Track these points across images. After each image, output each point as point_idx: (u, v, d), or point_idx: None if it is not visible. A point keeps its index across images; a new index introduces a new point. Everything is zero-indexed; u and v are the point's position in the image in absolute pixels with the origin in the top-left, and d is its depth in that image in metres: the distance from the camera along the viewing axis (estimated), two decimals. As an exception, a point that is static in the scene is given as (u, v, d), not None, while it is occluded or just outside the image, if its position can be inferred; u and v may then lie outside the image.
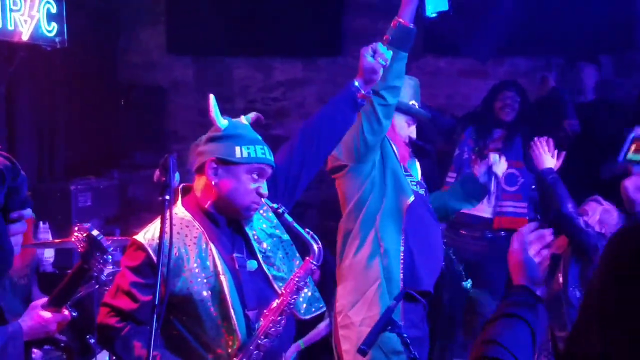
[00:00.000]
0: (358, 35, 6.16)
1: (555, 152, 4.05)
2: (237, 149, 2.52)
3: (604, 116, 5.24)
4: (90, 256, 2.34)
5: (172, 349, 2.50)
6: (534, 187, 4.85)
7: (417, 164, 3.60)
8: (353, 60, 6.07)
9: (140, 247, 2.48)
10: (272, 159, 2.60)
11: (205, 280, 2.48)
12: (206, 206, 2.56)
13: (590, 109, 5.28)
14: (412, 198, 3.34)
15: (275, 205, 2.60)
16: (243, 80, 6.50)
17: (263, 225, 2.69)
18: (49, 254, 4.83)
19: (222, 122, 2.57)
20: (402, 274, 3.28)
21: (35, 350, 2.87)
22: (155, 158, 6.42)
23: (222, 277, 2.49)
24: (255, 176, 2.53)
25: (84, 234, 2.31)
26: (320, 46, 6.25)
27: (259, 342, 2.49)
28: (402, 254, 3.29)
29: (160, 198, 2.23)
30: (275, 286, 2.59)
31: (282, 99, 6.43)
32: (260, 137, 2.64)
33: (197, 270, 2.48)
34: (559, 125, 4.94)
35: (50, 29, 4.99)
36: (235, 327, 2.49)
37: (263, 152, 2.57)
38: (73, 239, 2.34)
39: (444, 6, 3.13)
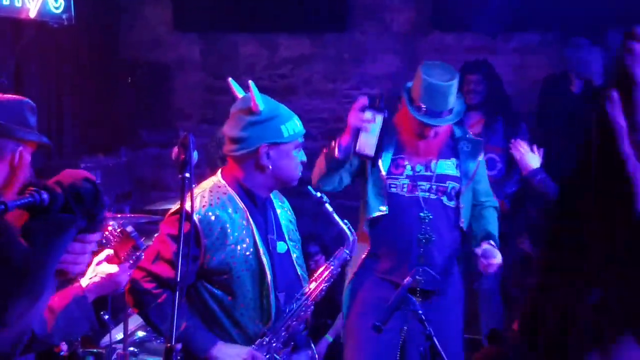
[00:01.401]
0: (365, 9, 6.14)
1: (535, 147, 4.01)
2: (283, 127, 2.57)
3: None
4: (122, 251, 2.34)
5: (197, 319, 2.55)
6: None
7: (452, 161, 3.50)
8: (360, 36, 6.13)
9: (187, 217, 2.45)
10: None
11: (245, 258, 2.52)
12: (249, 185, 2.60)
13: (598, 94, 5.23)
14: (377, 213, 3.37)
15: (318, 194, 2.69)
16: (249, 57, 6.48)
17: (287, 213, 2.79)
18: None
19: (260, 104, 2.58)
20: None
21: None
22: (161, 136, 6.48)
23: (263, 258, 2.55)
24: (300, 147, 2.65)
25: (119, 230, 2.32)
26: (327, 21, 6.21)
27: (290, 323, 2.55)
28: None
29: (180, 176, 2.24)
30: (298, 269, 2.66)
31: (289, 75, 6.40)
32: (287, 108, 2.69)
33: (238, 247, 2.52)
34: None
35: (57, 6, 4.97)
36: (269, 308, 2.55)
37: (299, 122, 2.65)
38: (106, 233, 2.34)
39: None
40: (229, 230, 2.52)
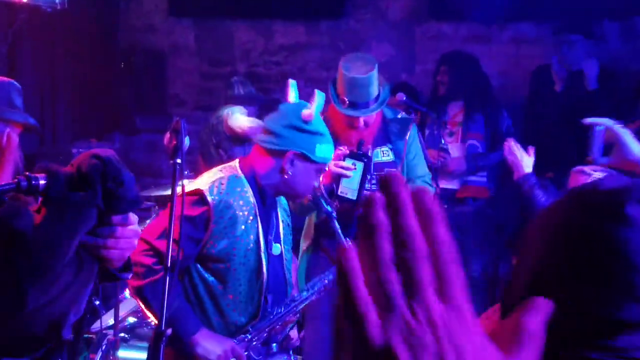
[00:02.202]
0: (361, -2, 6.13)
1: (531, 149, 4.03)
2: (318, 147, 2.58)
3: (605, 107, 5.20)
4: None
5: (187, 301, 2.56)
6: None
7: (387, 147, 3.62)
8: (355, 24, 6.11)
9: (203, 199, 2.48)
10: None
11: (245, 253, 2.54)
12: (263, 183, 2.60)
13: (590, 99, 5.23)
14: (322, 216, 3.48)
15: (329, 209, 2.74)
16: (244, 44, 6.45)
17: (286, 215, 2.82)
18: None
19: (313, 116, 2.58)
20: None
21: None
22: (155, 122, 6.46)
23: (262, 256, 2.57)
24: (320, 173, 2.67)
25: None
26: (323, 9, 6.19)
27: (274, 326, 2.57)
28: None
29: (172, 161, 2.23)
30: (287, 273, 2.67)
31: (283, 63, 6.39)
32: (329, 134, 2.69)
33: (242, 240, 2.53)
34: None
35: (51, -10, 4.93)
36: (258, 306, 2.58)
37: (331, 151, 2.66)
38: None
39: None
40: (237, 222, 2.53)
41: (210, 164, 2.71)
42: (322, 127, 2.63)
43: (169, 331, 2.07)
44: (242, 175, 2.60)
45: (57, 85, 5.67)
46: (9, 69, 5.09)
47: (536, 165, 4.29)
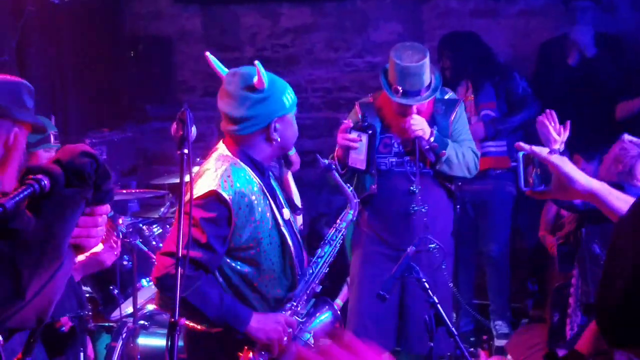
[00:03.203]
0: (367, -23, 6.08)
1: (567, 123, 4.02)
2: (284, 98, 2.60)
3: (605, 55, 5.15)
4: None
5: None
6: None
7: (434, 130, 3.65)
8: (361, 3, 6.07)
9: (219, 198, 2.48)
10: None
11: (269, 232, 2.57)
12: (258, 158, 2.63)
13: (593, 65, 5.19)
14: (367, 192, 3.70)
15: (326, 161, 2.81)
16: (251, 28, 6.44)
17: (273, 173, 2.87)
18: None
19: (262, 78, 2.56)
20: None
21: None
22: (165, 109, 6.50)
23: (283, 229, 2.60)
24: (295, 114, 2.69)
25: None
26: (328, -10, 6.16)
27: (313, 286, 2.66)
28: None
29: (179, 152, 2.24)
30: (297, 233, 2.71)
31: (290, 45, 6.37)
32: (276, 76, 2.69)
33: (262, 222, 2.56)
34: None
35: (58, -18, 4.95)
36: (293, 275, 2.64)
37: (291, 89, 2.67)
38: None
39: None
40: (254, 207, 2.54)
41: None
42: (272, 81, 2.60)
43: (183, 321, 2.10)
44: (238, 160, 2.60)
45: (67, 77, 5.69)
46: (19, 61, 5.12)
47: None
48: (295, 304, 2.63)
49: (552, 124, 3.82)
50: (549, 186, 1.93)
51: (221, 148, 2.64)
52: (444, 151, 3.57)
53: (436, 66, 4.83)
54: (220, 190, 2.48)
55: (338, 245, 2.78)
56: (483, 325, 5.15)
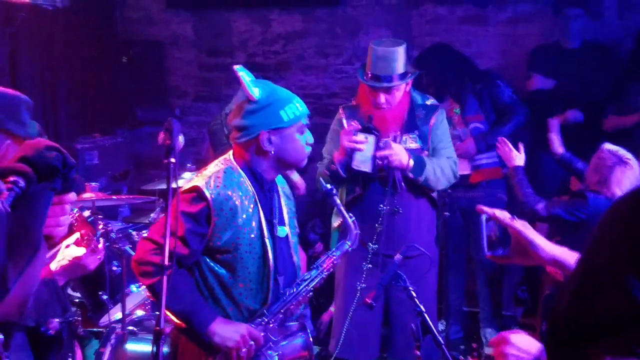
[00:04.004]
0: (357, -17, 6.11)
1: (521, 145, 4.16)
2: (282, 113, 2.61)
3: (592, 62, 5.19)
4: (83, 235, 2.38)
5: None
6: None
7: (414, 134, 3.70)
8: (352, 11, 6.11)
9: (201, 196, 2.54)
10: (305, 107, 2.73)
11: (250, 241, 2.59)
12: (257, 169, 2.66)
13: (576, 56, 5.23)
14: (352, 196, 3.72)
15: (328, 186, 2.79)
16: (242, 34, 6.47)
17: (288, 199, 2.85)
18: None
19: (255, 92, 2.61)
20: None
21: None
22: (157, 114, 6.50)
23: (267, 241, 2.62)
24: (303, 130, 2.68)
25: (77, 214, 2.36)
26: (319, -4, 6.19)
27: (288, 307, 2.63)
28: None
29: (166, 161, 2.27)
30: (294, 255, 2.71)
31: (282, 51, 6.40)
32: (288, 90, 2.73)
33: (245, 229, 2.59)
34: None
35: (50, -12, 4.97)
36: (268, 290, 2.62)
37: (300, 104, 2.68)
38: (71, 217, 2.38)
39: None
40: (238, 212, 2.58)
41: (222, 154, 2.77)
42: (275, 94, 2.65)
43: (168, 329, 2.13)
44: (237, 166, 2.66)
45: (58, 82, 5.71)
46: (10, 66, 5.13)
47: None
48: (267, 320, 2.62)
49: (506, 146, 4.01)
50: (507, 250, 1.93)
51: (229, 154, 2.73)
52: (420, 177, 3.61)
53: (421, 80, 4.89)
54: (203, 189, 2.55)
55: (326, 273, 2.76)
56: (472, 333, 5.17)
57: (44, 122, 5.51)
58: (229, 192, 2.57)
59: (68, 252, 2.36)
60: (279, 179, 2.84)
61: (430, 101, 3.80)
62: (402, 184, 3.62)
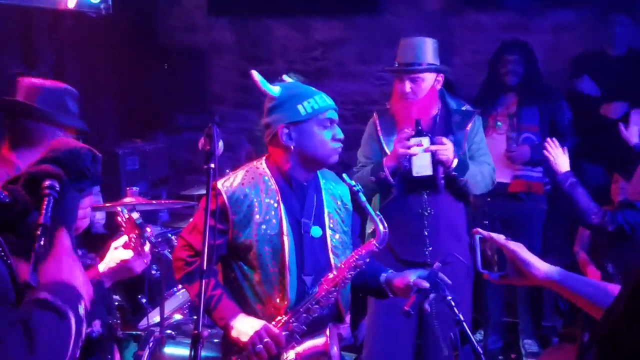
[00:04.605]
0: (397, -8, 6.11)
1: (565, 148, 4.03)
2: (300, 107, 2.62)
3: (638, 70, 5.09)
4: (130, 237, 2.41)
5: (227, 290, 2.66)
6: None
7: (448, 139, 3.61)
8: (392, 18, 6.10)
9: (218, 194, 2.62)
10: (332, 101, 2.70)
11: (268, 237, 2.61)
12: (285, 168, 2.68)
13: (621, 63, 5.14)
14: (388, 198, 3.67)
15: (352, 183, 2.69)
16: (282, 41, 6.50)
17: (335, 193, 2.82)
18: (100, 215, 4.98)
19: (274, 90, 2.66)
20: None
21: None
22: (197, 120, 6.57)
23: (285, 238, 2.62)
24: (327, 124, 2.66)
25: (126, 217, 2.39)
26: (359, 4, 6.20)
27: (310, 306, 2.60)
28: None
29: (205, 166, 2.29)
30: (332, 256, 2.70)
31: (321, 58, 6.42)
32: (312, 87, 2.73)
33: (263, 226, 2.61)
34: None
35: (95, -4, 5.05)
36: (287, 288, 2.61)
37: (322, 99, 2.67)
38: (119, 219, 2.41)
39: None
40: (256, 209, 2.61)
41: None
42: (294, 89, 2.68)
43: (206, 333, 2.14)
44: (264, 167, 2.70)
45: (102, 88, 5.80)
46: (56, 72, 5.23)
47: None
48: (287, 318, 2.61)
49: (554, 149, 3.89)
50: (505, 271, 1.97)
51: (262, 157, 2.78)
52: (463, 178, 3.56)
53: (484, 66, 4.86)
54: (219, 186, 2.62)
55: (352, 273, 2.68)
56: (512, 343, 5.10)
57: (88, 126, 5.58)
58: (246, 191, 2.62)
59: (116, 254, 2.39)
60: (332, 183, 2.82)
61: (466, 107, 3.76)
62: (443, 182, 3.56)
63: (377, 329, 3.70)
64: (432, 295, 2.07)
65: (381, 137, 3.71)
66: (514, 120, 4.83)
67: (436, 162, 3.50)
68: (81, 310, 1.47)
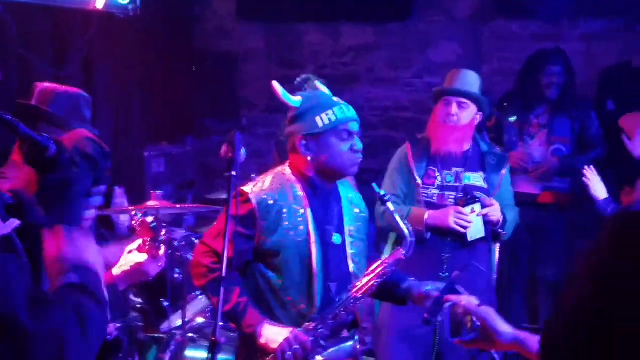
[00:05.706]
0: (428, -2, 6.09)
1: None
2: (318, 119, 2.63)
3: None
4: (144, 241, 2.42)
5: (249, 297, 2.65)
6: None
7: (479, 174, 3.68)
8: (423, 25, 6.08)
9: (247, 199, 2.61)
10: (353, 113, 2.69)
11: (296, 244, 2.62)
12: (309, 175, 2.69)
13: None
14: None
15: (382, 192, 2.71)
16: (313, 46, 6.52)
17: (353, 201, 2.83)
18: (124, 217, 5.01)
19: (294, 100, 2.67)
20: None
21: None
22: (227, 125, 6.60)
23: (313, 246, 2.63)
24: (345, 136, 2.64)
25: (140, 220, 2.40)
26: (390, 10, 6.19)
27: (337, 312, 2.61)
28: None
29: (227, 174, 2.30)
30: (351, 264, 2.70)
31: (351, 64, 6.41)
32: (334, 98, 2.74)
33: (291, 233, 2.62)
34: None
35: (124, -3, 5.09)
36: (315, 295, 2.62)
37: (342, 111, 2.66)
38: (134, 222, 2.43)
39: None
40: (284, 215, 2.61)
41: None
42: (314, 100, 2.69)
43: (223, 339, 2.14)
44: (289, 172, 2.71)
45: (131, 90, 5.85)
46: (85, 75, 5.29)
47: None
48: (315, 324, 2.61)
49: (593, 177, 3.92)
50: (477, 334, 2.02)
51: (287, 162, 2.79)
52: (506, 232, 3.63)
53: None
54: (248, 192, 2.62)
55: (378, 280, 2.67)
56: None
57: (116, 128, 5.65)
58: (275, 197, 2.62)
59: (130, 257, 2.41)
60: (347, 191, 2.83)
61: (496, 150, 3.83)
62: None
63: (392, 336, 3.67)
64: (447, 306, 2.08)
65: (412, 166, 3.69)
66: (546, 131, 4.79)
67: (486, 222, 3.54)
68: (106, 295, 1.50)
